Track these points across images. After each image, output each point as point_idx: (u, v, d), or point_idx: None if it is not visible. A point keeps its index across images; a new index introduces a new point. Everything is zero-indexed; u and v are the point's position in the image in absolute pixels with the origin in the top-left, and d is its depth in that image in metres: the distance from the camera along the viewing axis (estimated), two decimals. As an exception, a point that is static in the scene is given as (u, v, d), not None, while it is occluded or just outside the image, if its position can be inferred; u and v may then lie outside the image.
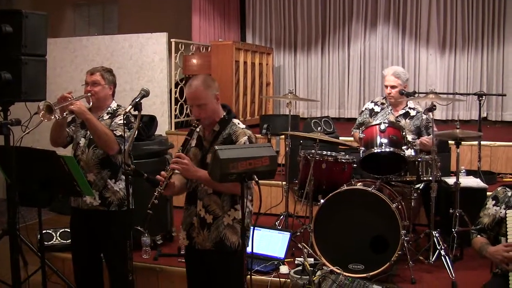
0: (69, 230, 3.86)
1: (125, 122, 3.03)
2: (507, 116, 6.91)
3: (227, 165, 2.17)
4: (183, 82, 6.59)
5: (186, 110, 6.67)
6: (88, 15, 8.81)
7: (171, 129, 6.20)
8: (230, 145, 2.41)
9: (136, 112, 2.66)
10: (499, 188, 2.81)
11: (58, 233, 3.95)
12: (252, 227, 2.42)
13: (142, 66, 6.18)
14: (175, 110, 6.34)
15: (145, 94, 2.66)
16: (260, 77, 7.13)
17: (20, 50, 3.32)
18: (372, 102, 4.22)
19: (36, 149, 2.60)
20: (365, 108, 4.20)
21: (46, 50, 3.52)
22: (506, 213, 2.64)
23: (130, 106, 2.61)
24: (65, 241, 3.90)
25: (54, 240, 3.90)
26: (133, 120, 3.07)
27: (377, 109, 4.14)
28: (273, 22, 8.00)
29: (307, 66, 7.90)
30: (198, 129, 2.59)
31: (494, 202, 2.77)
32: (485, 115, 6.87)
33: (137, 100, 2.62)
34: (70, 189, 2.66)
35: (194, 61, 6.58)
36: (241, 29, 8.18)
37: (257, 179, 2.25)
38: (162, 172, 2.48)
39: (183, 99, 6.53)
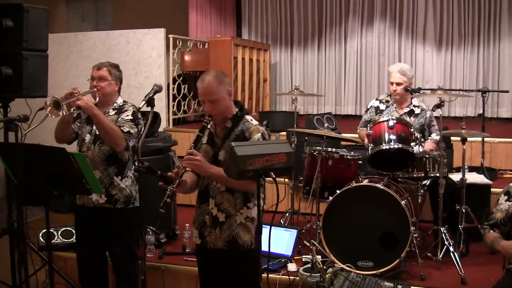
0: (70, 229, 3.80)
1: (132, 118, 2.97)
2: (503, 113, 6.95)
3: (244, 162, 2.11)
4: (181, 78, 6.52)
5: (184, 106, 6.60)
6: (81, 11, 8.67)
7: (169, 125, 6.14)
8: (246, 142, 2.36)
9: (148, 108, 2.60)
10: (511, 184, 2.81)
11: (60, 232, 3.86)
12: (269, 226, 2.33)
13: (140, 62, 6.10)
14: (173, 107, 6.27)
15: (158, 89, 2.62)
16: (258, 74, 7.09)
17: (21, 45, 3.25)
18: (377, 99, 4.19)
19: (44, 146, 2.52)
20: (371, 106, 4.17)
21: (47, 45, 3.44)
22: (518, 208, 2.64)
23: (144, 102, 2.56)
24: (67, 240, 3.82)
25: (55, 239, 3.80)
26: (139, 117, 3.02)
27: (382, 106, 4.11)
28: (269, 18, 7.96)
29: (304, 62, 7.87)
30: (209, 126, 2.53)
31: (506, 197, 2.77)
32: (481, 111, 6.89)
33: (150, 96, 2.57)
34: (79, 187, 2.58)
35: (192, 57, 6.51)
36: (237, 25, 8.12)
37: (274, 176, 2.21)
38: (174, 170, 2.42)
39: (181, 95, 6.47)
